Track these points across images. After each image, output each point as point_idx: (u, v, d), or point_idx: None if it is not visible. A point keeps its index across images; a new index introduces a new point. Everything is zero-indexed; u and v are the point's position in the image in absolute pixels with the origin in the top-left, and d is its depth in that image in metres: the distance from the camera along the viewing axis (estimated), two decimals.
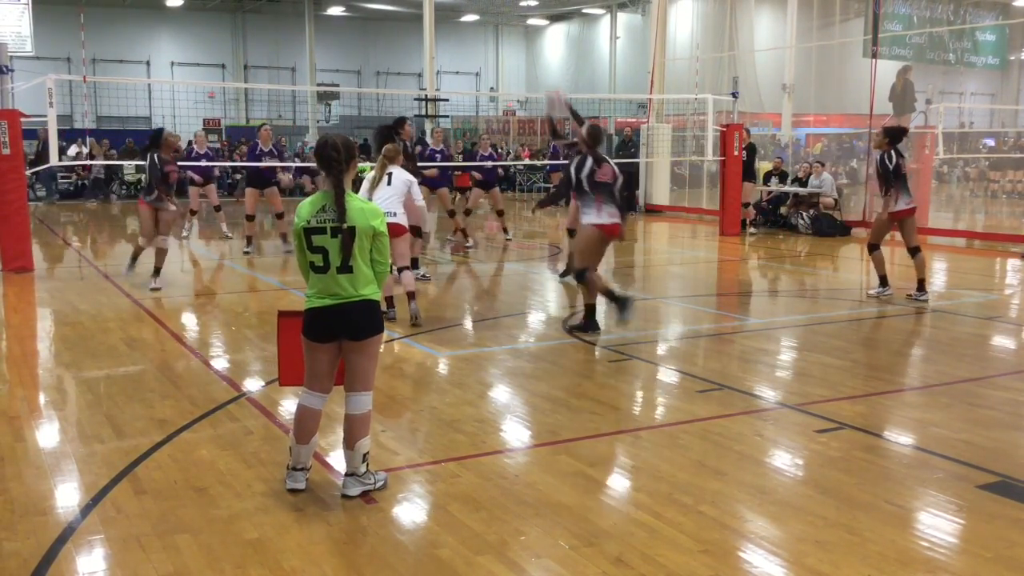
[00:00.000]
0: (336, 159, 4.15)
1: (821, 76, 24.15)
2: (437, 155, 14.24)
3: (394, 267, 8.04)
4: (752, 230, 16.65)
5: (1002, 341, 8.13)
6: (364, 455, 4.26)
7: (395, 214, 7.96)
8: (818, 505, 4.18)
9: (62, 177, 24.87)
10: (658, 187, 20.81)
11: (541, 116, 17.13)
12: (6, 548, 3.75)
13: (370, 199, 7.75)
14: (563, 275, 10.63)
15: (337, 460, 4.63)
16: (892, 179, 9.13)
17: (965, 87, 31.63)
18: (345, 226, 4.08)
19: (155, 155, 10.12)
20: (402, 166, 8.45)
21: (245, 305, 9.56)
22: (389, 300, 8.42)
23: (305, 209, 4.19)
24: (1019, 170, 24.68)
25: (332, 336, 4.20)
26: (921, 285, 9.45)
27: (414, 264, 9.36)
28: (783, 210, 17.19)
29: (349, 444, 4.25)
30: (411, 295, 8.31)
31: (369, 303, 4.20)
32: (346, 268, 4.12)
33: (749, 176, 16.76)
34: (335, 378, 4.36)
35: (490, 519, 4.03)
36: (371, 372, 4.29)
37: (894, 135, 9.37)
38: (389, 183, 8.10)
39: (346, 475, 4.28)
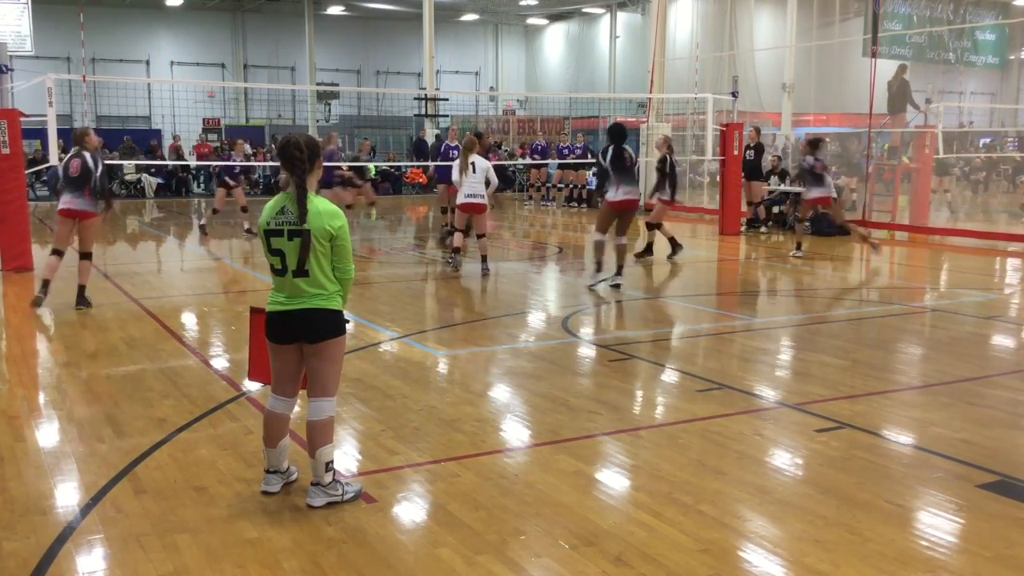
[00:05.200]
0: (299, 158, 4.04)
1: (821, 75, 24.13)
2: (453, 151, 14.70)
3: (475, 233, 11.04)
4: (764, 228, 16.64)
5: (1002, 341, 8.13)
6: (327, 464, 4.13)
7: (482, 195, 10.67)
8: (818, 504, 4.18)
9: None
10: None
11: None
12: (6, 548, 3.75)
13: (460, 184, 10.77)
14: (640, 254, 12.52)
15: (337, 463, 4.62)
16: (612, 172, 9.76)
17: (965, 86, 31.60)
18: (303, 228, 3.99)
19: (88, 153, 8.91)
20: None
21: (245, 304, 9.55)
22: (456, 250, 11.17)
23: (266, 211, 4.13)
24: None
25: (291, 338, 4.13)
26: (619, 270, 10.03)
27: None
28: (783, 208, 17.19)
29: (310, 452, 4.16)
30: (484, 257, 10.99)
31: (326, 308, 4.08)
32: (302, 272, 4.04)
33: (758, 175, 16.75)
34: (301, 383, 4.28)
35: (490, 519, 4.03)
36: (330, 377, 4.16)
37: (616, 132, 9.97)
38: (474, 171, 10.62)
39: (311, 484, 4.18)
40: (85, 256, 9.08)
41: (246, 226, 15.55)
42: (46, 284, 8.91)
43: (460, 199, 10.84)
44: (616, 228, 9.93)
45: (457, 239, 11.23)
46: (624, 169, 9.50)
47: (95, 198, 8.87)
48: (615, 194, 9.65)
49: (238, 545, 3.77)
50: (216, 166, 19.32)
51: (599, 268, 9.81)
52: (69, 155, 8.97)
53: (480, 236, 11.05)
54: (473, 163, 10.69)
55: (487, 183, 10.82)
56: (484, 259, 11.03)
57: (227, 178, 15.86)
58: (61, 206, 8.90)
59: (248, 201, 16.19)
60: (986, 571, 3.56)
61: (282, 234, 4.05)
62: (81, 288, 9.09)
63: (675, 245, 12.82)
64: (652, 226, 12.76)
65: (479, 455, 4.86)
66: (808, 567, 3.58)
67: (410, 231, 18.65)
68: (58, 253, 9.03)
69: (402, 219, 20.81)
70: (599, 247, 9.88)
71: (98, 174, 8.80)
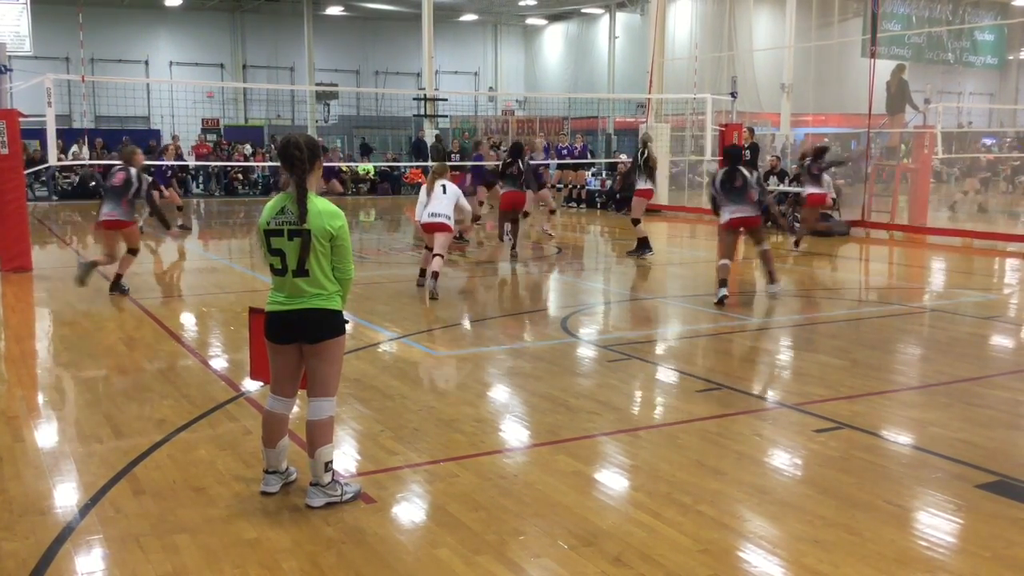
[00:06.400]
0: (299, 158, 4.03)
1: (820, 76, 24.14)
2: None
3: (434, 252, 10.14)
4: None
5: (1001, 341, 8.13)
6: (327, 464, 4.12)
7: (449, 216, 10.16)
8: (817, 505, 4.18)
9: (63, 178, 24.83)
10: (657, 186, 20.80)
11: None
12: (5, 548, 3.74)
13: (427, 205, 10.24)
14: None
15: (336, 463, 4.62)
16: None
17: (964, 87, 31.63)
18: (303, 228, 3.99)
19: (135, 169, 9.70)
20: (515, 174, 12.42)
21: (244, 304, 9.54)
22: (423, 272, 10.37)
23: (266, 210, 4.13)
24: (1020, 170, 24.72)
25: (290, 338, 4.13)
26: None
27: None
28: (782, 208, 17.20)
29: (310, 452, 4.15)
30: (435, 275, 9.88)
31: (326, 308, 4.08)
32: (302, 272, 4.04)
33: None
34: (300, 383, 4.28)
35: (489, 519, 4.03)
36: (331, 377, 4.16)
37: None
38: (444, 192, 10.23)
39: (310, 484, 4.17)
40: (132, 252, 9.87)
41: (179, 222, 16.15)
42: (119, 278, 9.73)
43: (424, 218, 10.25)
44: (753, 242, 9.93)
45: (425, 260, 10.42)
46: (732, 190, 9.54)
47: (131, 208, 9.66)
48: (724, 215, 9.73)
49: (237, 545, 3.77)
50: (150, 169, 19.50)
51: (722, 284, 9.49)
52: (115, 168, 9.80)
53: (436, 255, 10.11)
54: (444, 186, 10.30)
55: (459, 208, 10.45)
56: (435, 276, 9.90)
57: (160, 185, 16.17)
58: (102, 217, 9.60)
59: (248, 201, 16.30)
60: (985, 571, 3.56)
61: (282, 234, 4.05)
62: (118, 276, 9.75)
63: (643, 245, 12.88)
64: (635, 221, 13.13)
65: (478, 455, 4.86)
66: (807, 567, 3.58)
67: (409, 231, 18.66)
68: (111, 257, 9.74)
69: (401, 219, 20.82)
70: (722, 268, 9.63)
71: (143, 189, 9.64)
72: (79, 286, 9.48)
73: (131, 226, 9.70)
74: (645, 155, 12.95)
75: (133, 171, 9.54)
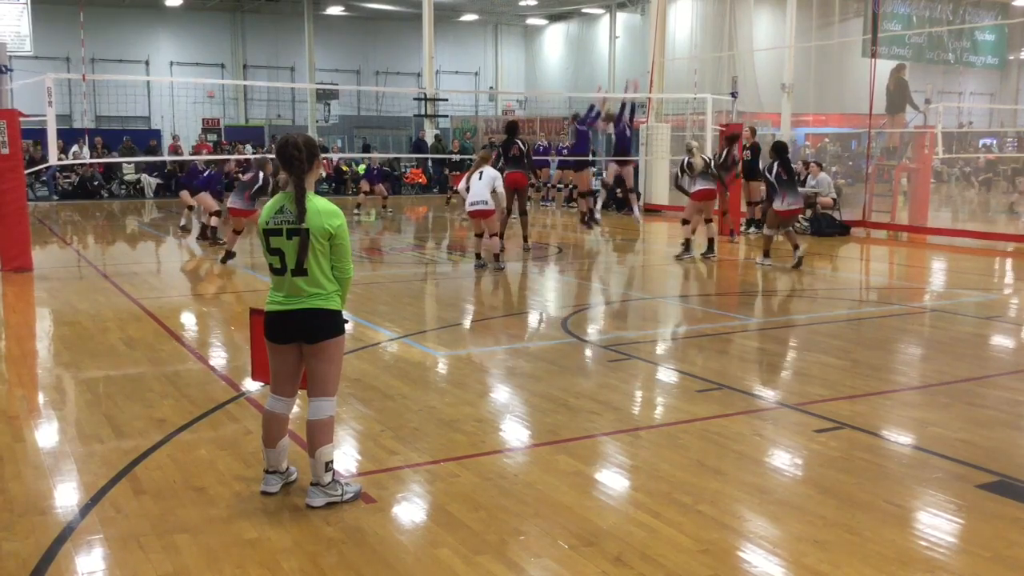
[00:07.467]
0: (297, 158, 4.03)
1: (820, 76, 24.14)
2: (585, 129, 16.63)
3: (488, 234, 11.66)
4: (754, 229, 16.63)
5: (1001, 341, 8.13)
6: (327, 464, 4.12)
7: (486, 202, 11.34)
8: (817, 505, 4.18)
9: (63, 177, 24.82)
10: (657, 187, 20.82)
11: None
12: (5, 548, 3.75)
13: (467, 188, 11.55)
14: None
15: (336, 463, 4.62)
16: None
17: (964, 87, 31.64)
18: (301, 227, 4.00)
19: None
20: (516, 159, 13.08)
21: (244, 305, 9.54)
22: (497, 256, 11.75)
23: (265, 210, 4.14)
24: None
25: (289, 338, 4.13)
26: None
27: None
28: None
29: (310, 452, 4.15)
30: (496, 256, 11.71)
31: (325, 308, 4.08)
32: (300, 271, 4.04)
33: (755, 175, 16.71)
34: (301, 383, 4.28)
35: (489, 519, 4.03)
36: (330, 377, 4.16)
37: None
38: (480, 178, 11.37)
39: (311, 484, 4.17)
40: (237, 232, 12.16)
41: (183, 222, 16.50)
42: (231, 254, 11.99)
43: (467, 207, 11.60)
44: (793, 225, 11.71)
45: (495, 243, 11.76)
46: (784, 182, 11.09)
47: (253, 200, 11.82)
48: (781, 204, 11.50)
49: (237, 545, 3.78)
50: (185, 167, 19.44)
51: (766, 255, 11.68)
52: (249, 168, 12.52)
53: (492, 235, 11.63)
54: (482, 172, 11.46)
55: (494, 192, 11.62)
56: (497, 257, 11.72)
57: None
58: (229, 204, 12.34)
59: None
60: (985, 571, 3.57)
61: (281, 233, 4.06)
62: (220, 242, 12.60)
63: (687, 247, 12.94)
64: (685, 221, 13.51)
65: (478, 455, 4.86)
66: (808, 567, 3.58)
67: (410, 231, 18.68)
68: (237, 232, 12.17)
69: (402, 219, 20.82)
70: (768, 239, 11.88)
71: (266, 189, 11.78)
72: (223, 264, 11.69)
73: (253, 214, 11.71)
74: (688, 162, 13.30)
75: (262, 174, 11.83)
